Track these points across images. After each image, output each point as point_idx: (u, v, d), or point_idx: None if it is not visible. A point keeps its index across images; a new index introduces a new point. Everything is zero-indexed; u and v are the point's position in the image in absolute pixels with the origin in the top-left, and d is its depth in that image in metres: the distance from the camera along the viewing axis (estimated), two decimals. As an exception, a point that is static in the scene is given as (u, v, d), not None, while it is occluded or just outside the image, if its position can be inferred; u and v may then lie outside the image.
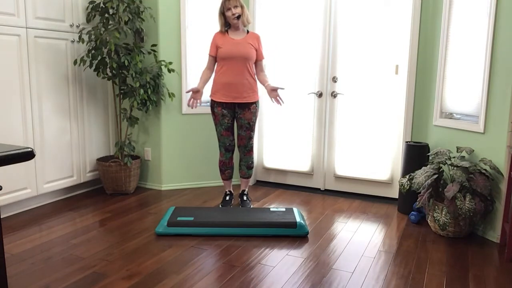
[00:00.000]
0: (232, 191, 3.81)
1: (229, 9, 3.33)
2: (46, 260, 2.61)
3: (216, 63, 3.49)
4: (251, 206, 3.68)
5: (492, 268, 2.61)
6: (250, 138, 3.56)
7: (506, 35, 2.87)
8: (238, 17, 3.34)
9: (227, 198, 3.71)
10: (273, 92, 3.42)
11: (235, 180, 4.37)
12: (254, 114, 3.52)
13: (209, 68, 3.52)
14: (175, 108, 4.07)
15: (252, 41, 3.43)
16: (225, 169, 3.66)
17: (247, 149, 3.59)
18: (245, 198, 3.71)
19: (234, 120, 3.57)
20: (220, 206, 3.67)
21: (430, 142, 3.63)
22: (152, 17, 3.92)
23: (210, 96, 3.53)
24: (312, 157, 4.21)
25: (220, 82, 3.44)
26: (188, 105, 3.44)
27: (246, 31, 3.47)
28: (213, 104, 3.51)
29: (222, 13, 3.39)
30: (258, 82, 3.56)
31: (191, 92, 3.48)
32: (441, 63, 3.45)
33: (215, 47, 3.44)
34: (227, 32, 3.44)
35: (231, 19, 3.35)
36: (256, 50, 3.46)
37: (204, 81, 3.49)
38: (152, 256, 2.70)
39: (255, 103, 3.51)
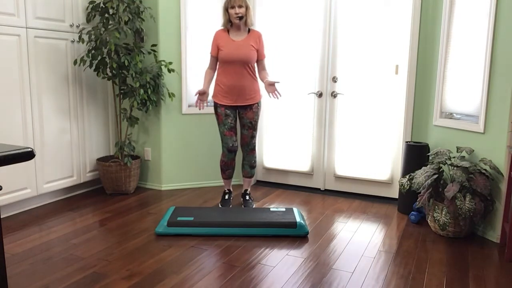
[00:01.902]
0: (231, 190, 3.81)
1: (233, 7, 3.30)
2: (46, 260, 2.61)
3: (218, 63, 3.49)
4: (254, 206, 3.69)
5: (492, 268, 2.61)
6: (253, 137, 3.56)
7: (506, 35, 2.87)
8: (241, 18, 3.32)
9: (226, 197, 3.71)
10: (270, 86, 3.39)
11: (236, 180, 4.37)
12: (256, 114, 3.52)
13: (211, 67, 3.51)
14: (175, 108, 4.07)
15: (253, 41, 3.41)
16: (226, 169, 3.66)
17: (250, 148, 3.59)
18: (247, 198, 3.71)
19: (237, 120, 3.57)
20: (220, 205, 3.67)
21: (430, 142, 3.63)
22: (152, 17, 3.92)
23: (213, 97, 3.53)
24: (312, 157, 4.21)
25: (222, 84, 3.44)
26: (196, 106, 3.44)
27: (247, 30, 3.46)
28: (216, 104, 3.51)
29: (227, 10, 3.36)
30: (259, 80, 3.56)
31: (197, 95, 3.47)
32: (441, 63, 3.45)
33: (216, 47, 3.43)
34: (229, 31, 3.43)
35: (233, 18, 3.33)
36: (258, 50, 3.45)
37: (208, 81, 3.49)
38: (152, 256, 2.70)
39: (257, 102, 3.51)
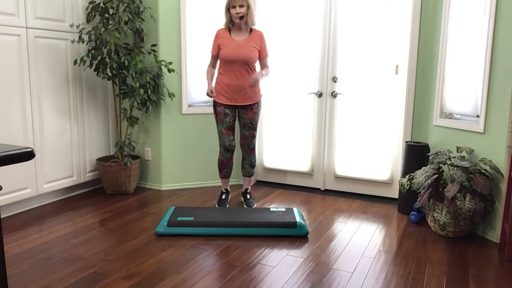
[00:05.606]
0: (229, 190, 3.81)
1: (234, 7, 3.30)
2: (46, 260, 2.61)
3: (218, 62, 3.50)
4: (254, 205, 3.69)
5: (492, 268, 2.61)
6: (253, 137, 3.57)
7: (506, 35, 2.87)
8: (241, 18, 3.32)
9: (223, 197, 3.71)
10: (253, 81, 3.38)
11: (236, 180, 4.37)
12: (257, 114, 3.52)
13: (212, 66, 3.55)
14: (175, 108, 4.07)
15: (255, 42, 3.41)
16: (224, 168, 3.66)
17: (250, 147, 3.60)
18: (248, 196, 3.72)
19: (236, 120, 3.57)
20: (216, 205, 3.66)
21: (430, 142, 3.63)
22: (152, 17, 3.92)
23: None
24: (312, 157, 4.21)
25: (222, 84, 3.44)
26: (211, 96, 3.45)
27: (249, 29, 3.45)
28: (216, 103, 3.51)
29: (228, 10, 3.37)
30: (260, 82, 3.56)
31: (210, 92, 3.44)
32: (441, 63, 3.45)
33: (217, 46, 3.44)
34: (230, 30, 3.43)
35: (234, 17, 3.33)
36: (260, 50, 3.45)
37: (211, 79, 3.53)
38: (152, 256, 2.70)
39: (257, 102, 3.51)
